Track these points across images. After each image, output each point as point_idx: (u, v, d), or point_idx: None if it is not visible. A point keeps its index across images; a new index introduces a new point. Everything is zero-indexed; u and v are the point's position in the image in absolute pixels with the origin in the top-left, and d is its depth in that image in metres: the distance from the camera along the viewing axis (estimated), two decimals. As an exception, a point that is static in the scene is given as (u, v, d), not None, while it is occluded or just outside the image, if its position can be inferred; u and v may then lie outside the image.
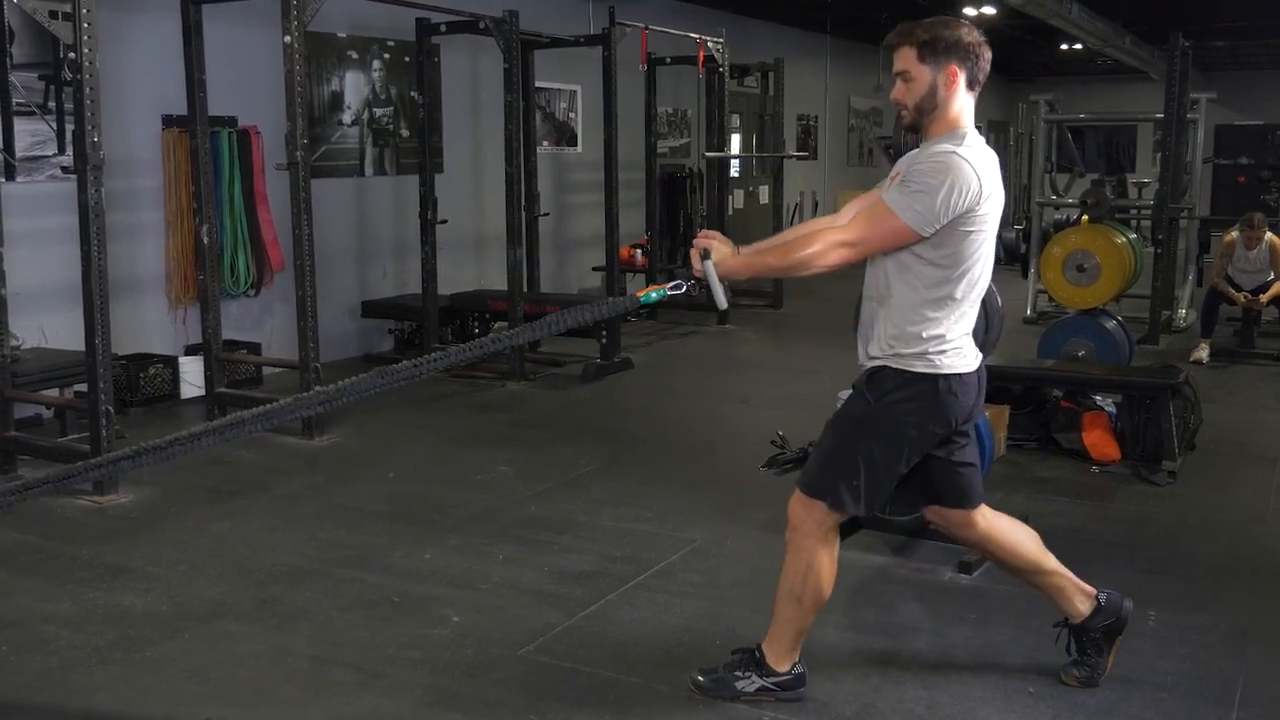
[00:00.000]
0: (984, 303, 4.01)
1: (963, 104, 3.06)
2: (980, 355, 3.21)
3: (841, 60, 16.31)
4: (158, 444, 3.11)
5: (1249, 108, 20.67)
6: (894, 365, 3.10)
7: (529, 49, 9.23)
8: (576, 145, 11.15)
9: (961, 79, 3.04)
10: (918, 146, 3.12)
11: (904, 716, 3.27)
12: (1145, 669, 3.54)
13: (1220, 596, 4.16)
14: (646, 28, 9.72)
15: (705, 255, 3.05)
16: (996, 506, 5.02)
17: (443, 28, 8.14)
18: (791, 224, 14.66)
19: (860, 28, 16.05)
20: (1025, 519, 4.86)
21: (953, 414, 3.14)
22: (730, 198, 12.47)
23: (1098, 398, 6.09)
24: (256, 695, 3.40)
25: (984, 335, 4.20)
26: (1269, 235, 8.71)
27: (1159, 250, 9.46)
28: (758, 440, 5.66)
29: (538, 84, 9.85)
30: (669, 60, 10.69)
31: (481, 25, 7.70)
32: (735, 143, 13.70)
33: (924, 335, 3.06)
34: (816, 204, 15.90)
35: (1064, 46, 18.84)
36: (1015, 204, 20.92)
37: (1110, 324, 7.51)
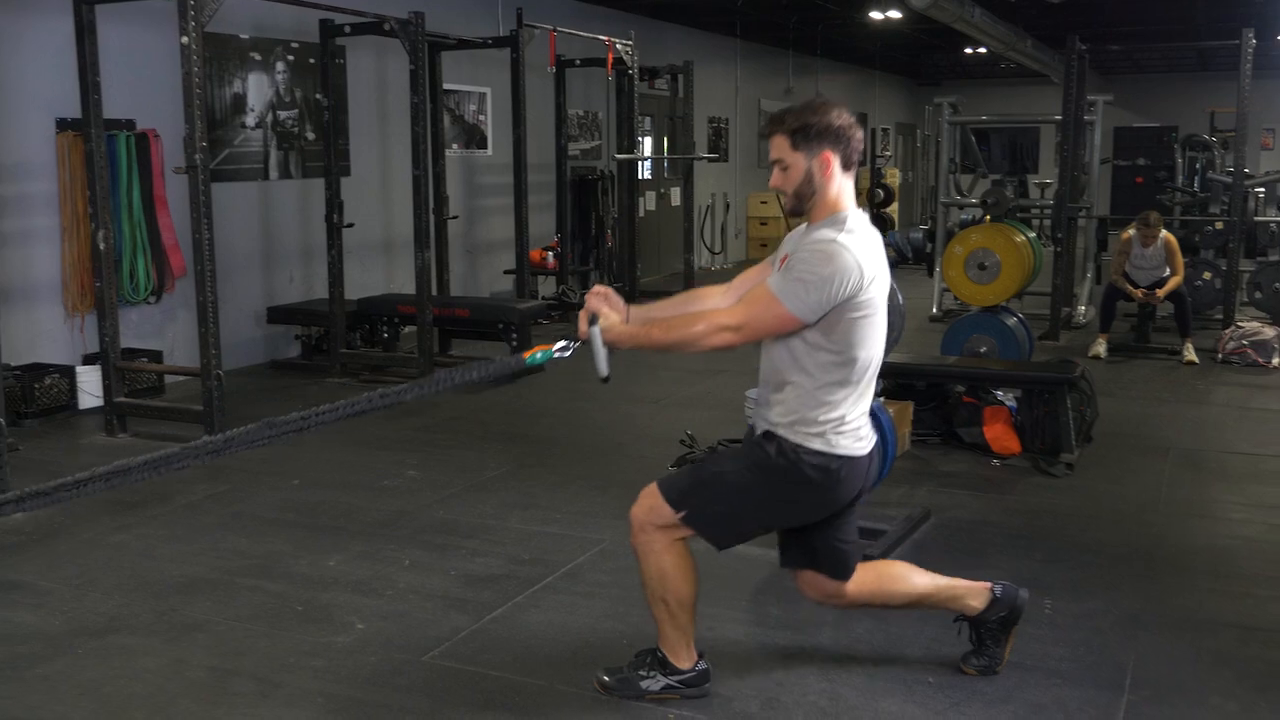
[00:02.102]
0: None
1: (841, 186, 3.09)
2: (875, 436, 3.24)
3: (751, 63, 16.45)
4: (42, 489, 3.05)
5: (1146, 110, 21.29)
6: (792, 438, 3.11)
7: (436, 50, 9.18)
8: (487, 148, 11.10)
9: (836, 162, 3.06)
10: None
11: (807, 710, 3.31)
12: (1041, 656, 3.62)
13: (1114, 584, 4.27)
14: (555, 29, 9.72)
15: (593, 320, 3.05)
16: (900, 501, 5.16)
17: (347, 29, 8.05)
18: (702, 226, 14.78)
19: (769, 31, 16.23)
20: (928, 514, 5.00)
21: (843, 494, 3.18)
22: (642, 200, 12.52)
23: (998, 393, 6.22)
24: (152, 709, 3.33)
25: (887, 334, 4.25)
26: (1164, 233, 8.95)
27: (1058, 248, 9.68)
28: (667, 440, 5.71)
29: (447, 86, 9.80)
30: (578, 62, 10.70)
31: (386, 27, 7.63)
32: (646, 145, 13.74)
33: (822, 419, 3.08)
34: (728, 206, 16.01)
35: (968, 50, 19.24)
36: (922, 205, 21.30)
37: (1011, 321, 7.68)
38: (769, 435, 3.15)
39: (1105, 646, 3.72)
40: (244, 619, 3.95)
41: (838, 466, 3.11)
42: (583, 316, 3.10)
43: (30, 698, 3.40)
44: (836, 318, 3.00)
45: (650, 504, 3.21)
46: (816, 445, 3.09)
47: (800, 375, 3.08)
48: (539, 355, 3.14)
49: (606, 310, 3.10)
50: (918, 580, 3.45)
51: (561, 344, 3.15)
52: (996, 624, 3.47)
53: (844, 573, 3.33)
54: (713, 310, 3.15)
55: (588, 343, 3.06)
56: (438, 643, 3.74)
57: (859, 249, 3.00)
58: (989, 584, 3.48)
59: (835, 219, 3.06)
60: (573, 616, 3.97)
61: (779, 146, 3.09)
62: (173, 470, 3.05)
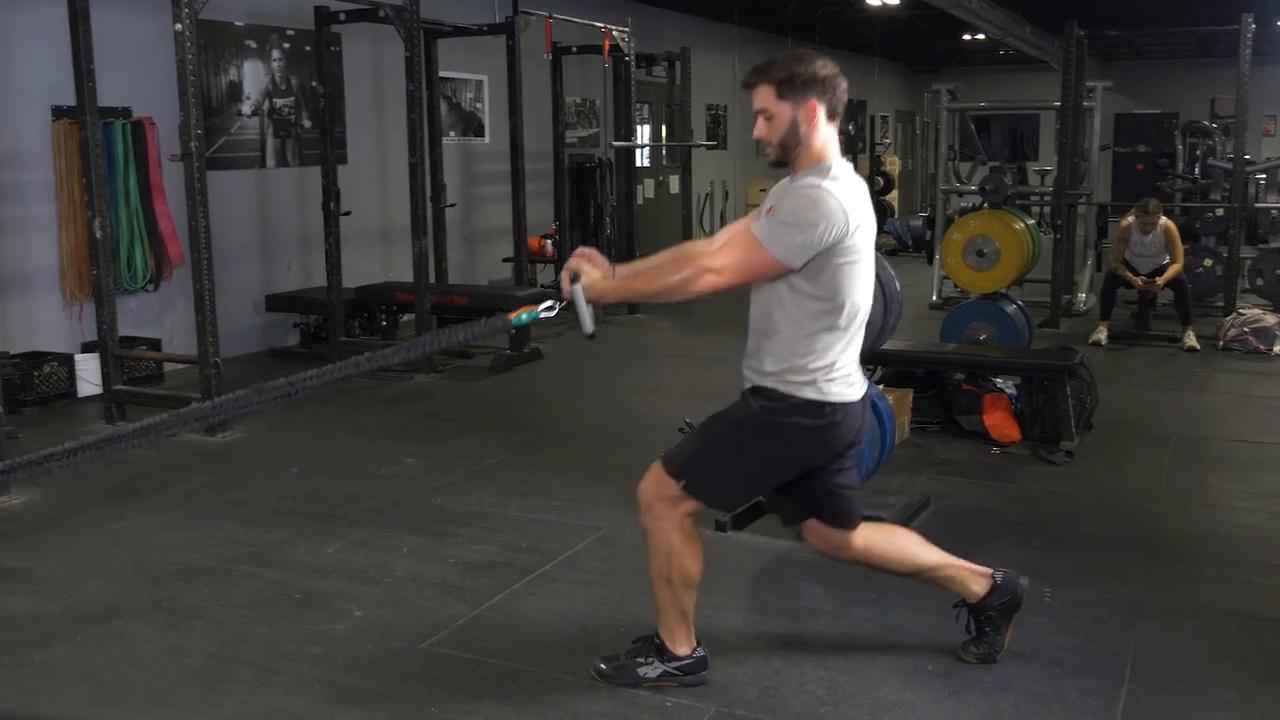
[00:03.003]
0: (882, 287, 4.08)
1: (826, 136, 3.08)
2: (866, 383, 3.24)
3: (750, 50, 16.37)
4: (32, 458, 3.02)
5: (1147, 97, 21.23)
6: (781, 388, 3.11)
7: (432, 38, 9.15)
8: (484, 135, 11.06)
9: (822, 112, 3.05)
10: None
11: (805, 698, 3.30)
12: (1040, 644, 3.61)
13: (1113, 572, 4.26)
14: (551, 16, 9.67)
15: (575, 279, 3.05)
16: (900, 489, 5.14)
17: (342, 16, 8.02)
18: (701, 213, 14.75)
19: (767, 17, 16.17)
20: (928, 501, 4.99)
21: (836, 442, 3.17)
22: (640, 187, 12.48)
23: (998, 380, 6.20)
24: (150, 697, 3.32)
25: (882, 320, 4.24)
26: (1164, 220, 8.93)
27: (1058, 235, 9.66)
28: (666, 428, 5.66)
29: (443, 73, 9.76)
30: (575, 49, 10.65)
31: (381, 13, 7.60)
32: (644, 132, 13.70)
33: (811, 366, 3.07)
34: (727, 193, 15.98)
35: (967, 37, 19.19)
36: (921, 192, 21.26)
37: (1010, 308, 7.66)
38: (757, 390, 3.15)
39: (1105, 635, 3.71)
40: (242, 606, 3.95)
41: (830, 412, 3.10)
42: (565, 276, 3.09)
43: (28, 684, 3.40)
44: (822, 264, 2.99)
45: (655, 478, 3.22)
46: (808, 394, 3.08)
47: (788, 323, 3.08)
48: (524, 316, 3.13)
49: (588, 268, 3.09)
50: (925, 552, 3.44)
51: (546, 304, 3.13)
52: (997, 611, 3.45)
53: (848, 521, 3.32)
54: (698, 254, 3.14)
55: (572, 302, 3.05)
56: (435, 630, 3.73)
57: (844, 195, 2.99)
58: (990, 570, 3.47)
59: (820, 168, 3.05)
60: (570, 604, 3.97)
61: (764, 96, 3.07)
62: (164, 438, 3.03)
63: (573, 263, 3.11)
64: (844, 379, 3.12)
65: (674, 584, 3.25)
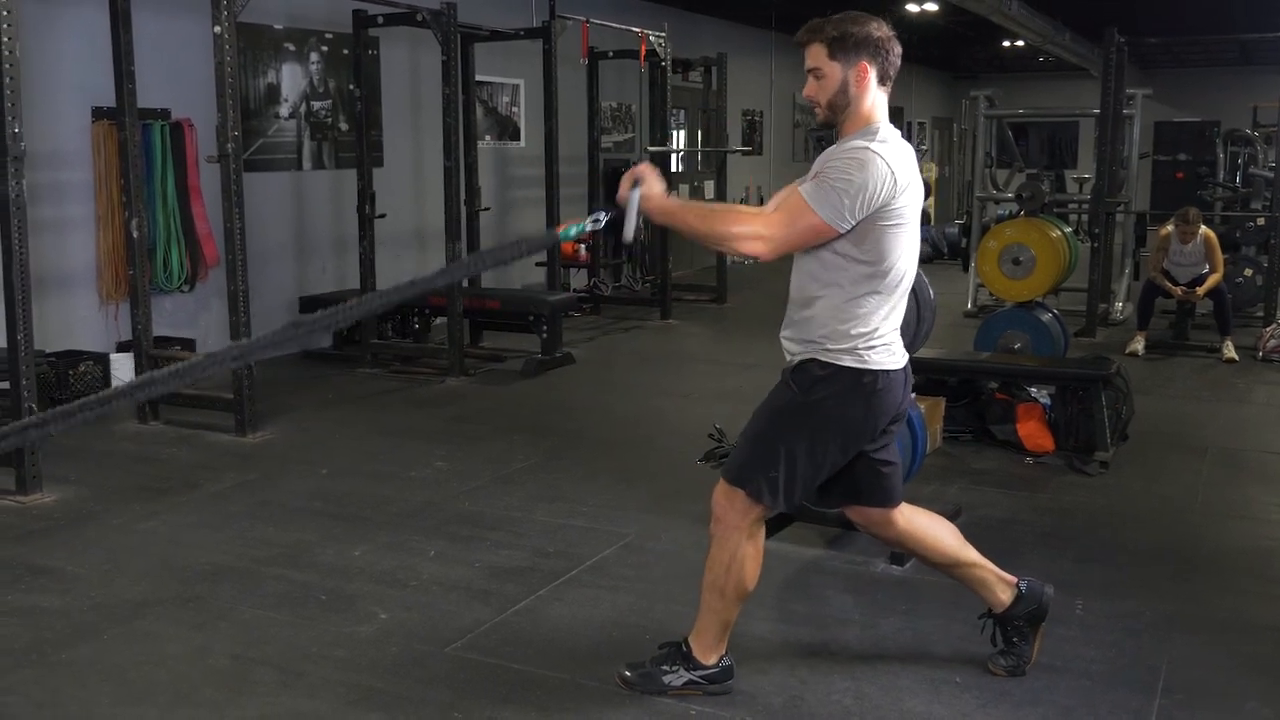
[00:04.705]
0: (915, 295, 4.03)
1: (875, 99, 3.06)
2: (907, 354, 3.21)
3: (786, 55, 16.33)
4: (66, 409, 2.97)
5: (1188, 105, 21.00)
6: (821, 358, 3.08)
7: (468, 42, 9.16)
8: (519, 139, 11.08)
9: (873, 74, 3.04)
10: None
11: (831, 708, 3.26)
12: (1071, 657, 3.55)
13: (1147, 585, 4.19)
14: (588, 21, 9.68)
15: (635, 184, 3.02)
16: (931, 498, 5.08)
17: (380, 20, 8.05)
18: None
19: (804, 24, 16.08)
20: (959, 511, 4.94)
21: (880, 411, 3.13)
22: (675, 193, 12.43)
23: (1032, 389, 6.13)
24: (175, 696, 3.33)
25: (915, 327, 4.20)
26: (1203, 229, 8.81)
27: (1095, 244, 9.55)
28: (696, 434, 5.66)
29: (479, 77, 9.79)
30: (611, 54, 10.66)
31: (419, 17, 7.63)
32: (680, 138, 13.69)
33: (853, 332, 3.04)
34: (761, 199, 15.92)
35: (1006, 43, 19.04)
36: (958, 199, 21.14)
37: (1046, 316, 7.58)
38: (796, 370, 3.11)
39: (1138, 649, 3.65)
40: (268, 607, 3.95)
41: (871, 380, 3.06)
42: (625, 181, 3.05)
43: (54, 681, 3.41)
44: (869, 226, 2.96)
45: (723, 489, 3.21)
46: (848, 361, 3.05)
47: (830, 289, 3.04)
48: (572, 230, 3.11)
49: (652, 179, 3.05)
50: (963, 548, 3.40)
51: (595, 216, 3.11)
52: (1024, 621, 3.41)
53: (889, 499, 3.29)
54: (753, 214, 3.11)
55: (623, 209, 3.02)
56: (460, 634, 3.72)
57: (892, 157, 2.96)
58: (1015, 579, 3.43)
59: (868, 130, 3.02)
60: (597, 610, 3.95)
61: (815, 55, 3.05)
62: (199, 377, 2.92)
63: (637, 169, 3.07)
64: (885, 347, 3.08)
65: (726, 594, 3.22)
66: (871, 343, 3.06)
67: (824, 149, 3.16)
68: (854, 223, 2.94)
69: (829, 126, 3.11)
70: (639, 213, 3.02)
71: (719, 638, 3.29)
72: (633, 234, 3.03)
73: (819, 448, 3.14)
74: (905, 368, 3.18)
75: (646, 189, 3.02)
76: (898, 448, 3.34)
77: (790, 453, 3.12)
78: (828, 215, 2.94)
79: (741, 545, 3.18)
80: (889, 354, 3.10)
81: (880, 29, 3.05)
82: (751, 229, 2.99)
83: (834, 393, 3.08)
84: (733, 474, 3.19)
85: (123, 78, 6.41)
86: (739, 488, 3.16)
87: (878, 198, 2.93)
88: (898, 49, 3.08)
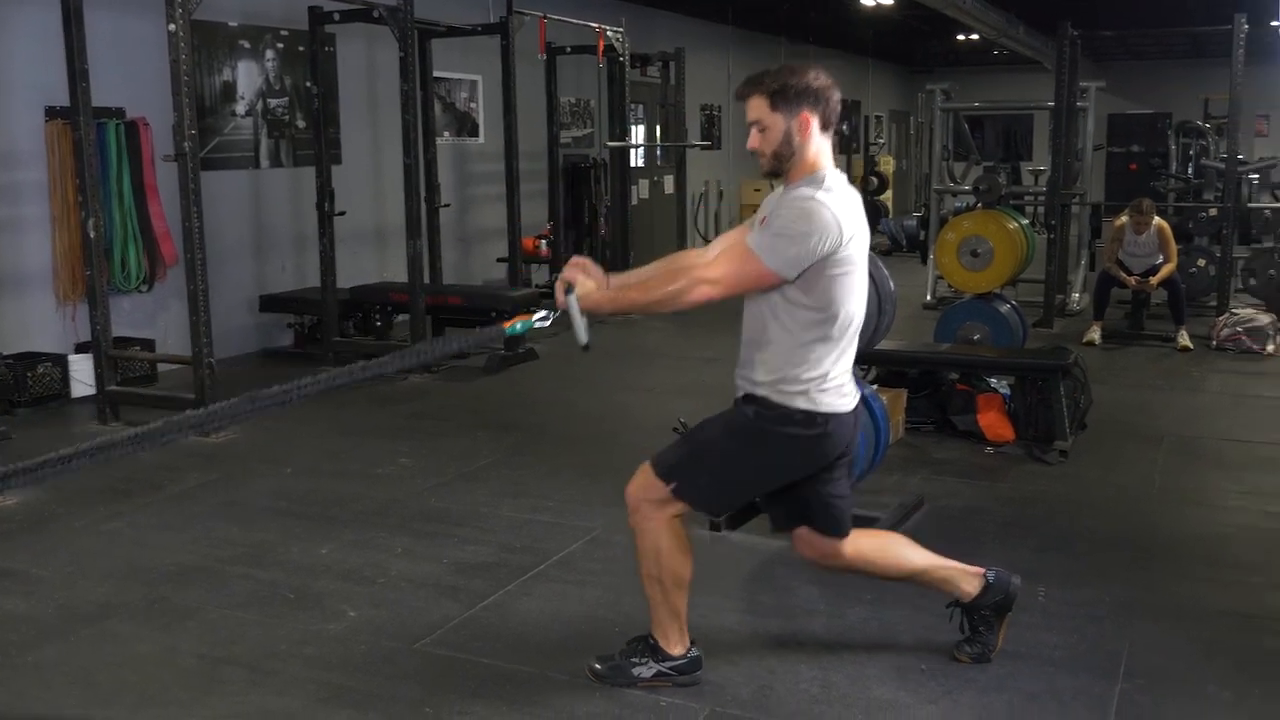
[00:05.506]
0: (876, 287, 4.08)
1: (819, 146, 3.09)
2: (859, 393, 3.25)
3: (744, 50, 16.40)
4: (27, 465, 2.99)
5: (1141, 97, 21.26)
6: (773, 398, 3.12)
7: (426, 38, 9.13)
8: (478, 135, 11.06)
9: (815, 123, 3.07)
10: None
11: (799, 697, 3.30)
12: (1034, 644, 3.61)
13: (1107, 572, 4.26)
14: (545, 16, 9.67)
15: (569, 289, 3.05)
16: (894, 488, 5.14)
17: (336, 16, 8.01)
18: (696, 214, 14.74)
19: (761, 18, 16.19)
20: (922, 501, 4.99)
21: (828, 452, 3.18)
22: (635, 187, 12.46)
23: (992, 380, 6.21)
24: (142, 697, 3.32)
25: (876, 320, 4.25)
26: (1157, 220, 8.93)
27: (1051, 235, 9.66)
28: (660, 429, 5.65)
29: (438, 74, 9.75)
30: (569, 50, 10.65)
31: (375, 14, 7.59)
32: (639, 133, 13.70)
33: (804, 376, 3.08)
34: (721, 193, 15.96)
35: (961, 37, 19.21)
36: (916, 192, 21.28)
37: (1004, 307, 7.66)
38: (750, 398, 3.16)
39: (1099, 635, 3.71)
40: (235, 607, 3.94)
41: (823, 422, 3.11)
42: (559, 286, 3.10)
43: (20, 683, 3.39)
44: (816, 275, 3.00)
45: (643, 481, 3.23)
46: (800, 404, 3.09)
47: (781, 333, 3.08)
48: (519, 325, 3.14)
49: (582, 279, 3.09)
50: (915, 556, 3.45)
51: (541, 314, 3.15)
52: (990, 610, 3.46)
53: (838, 529, 3.32)
54: (692, 265, 3.15)
55: (567, 313, 3.05)
56: (429, 630, 3.73)
57: (837, 206, 3.00)
58: (982, 569, 3.47)
59: (814, 178, 3.06)
60: (564, 604, 3.96)
61: (757, 108, 3.08)
62: (159, 445, 2.99)
63: (567, 273, 3.11)
64: (836, 389, 3.13)
65: (664, 584, 3.26)
66: (824, 386, 3.10)
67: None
68: (800, 271, 2.99)
69: (775, 175, 3.14)
70: (581, 313, 3.03)
71: (677, 628, 3.32)
72: (585, 338, 3.03)
73: (758, 472, 3.21)
74: (856, 408, 3.22)
75: (580, 290, 3.05)
76: (855, 470, 3.36)
77: (728, 466, 3.18)
78: (773, 265, 2.98)
79: (661, 536, 3.21)
80: (840, 395, 3.14)
81: (819, 78, 3.08)
82: (693, 279, 3.03)
83: (783, 428, 3.11)
84: (663, 469, 3.20)
85: (76, 76, 6.35)
86: (666, 482, 3.18)
87: (823, 247, 2.96)
88: (837, 96, 3.11)
